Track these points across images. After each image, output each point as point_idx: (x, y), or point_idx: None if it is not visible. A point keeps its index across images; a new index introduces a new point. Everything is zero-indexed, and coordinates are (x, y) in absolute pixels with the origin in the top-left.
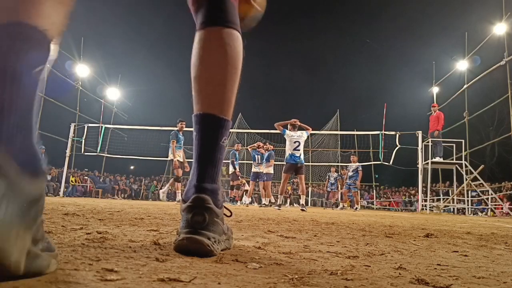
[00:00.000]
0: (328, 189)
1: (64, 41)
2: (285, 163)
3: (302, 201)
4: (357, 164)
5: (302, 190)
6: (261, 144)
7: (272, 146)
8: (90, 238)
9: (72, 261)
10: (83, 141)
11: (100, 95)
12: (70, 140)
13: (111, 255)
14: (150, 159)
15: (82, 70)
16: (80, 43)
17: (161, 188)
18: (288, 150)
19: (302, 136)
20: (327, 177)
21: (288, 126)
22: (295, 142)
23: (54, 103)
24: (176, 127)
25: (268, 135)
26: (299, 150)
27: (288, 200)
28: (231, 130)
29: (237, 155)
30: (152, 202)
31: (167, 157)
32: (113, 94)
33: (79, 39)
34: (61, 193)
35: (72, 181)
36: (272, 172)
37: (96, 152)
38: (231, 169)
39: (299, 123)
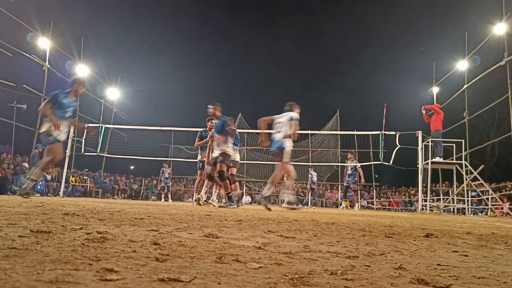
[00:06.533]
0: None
1: (64, 41)
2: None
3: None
4: (355, 162)
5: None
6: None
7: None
8: (90, 238)
9: (72, 261)
10: (83, 141)
11: (100, 95)
12: (70, 140)
13: (111, 255)
14: (150, 159)
15: (82, 70)
16: (80, 43)
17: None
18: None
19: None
20: (310, 176)
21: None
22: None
23: None
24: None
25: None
26: None
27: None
28: None
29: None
30: (152, 202)
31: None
32: (113, 94)
33: (79, 39)
34: (61, 193)
35: (72, 181)
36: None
37: (96, 152)
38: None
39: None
